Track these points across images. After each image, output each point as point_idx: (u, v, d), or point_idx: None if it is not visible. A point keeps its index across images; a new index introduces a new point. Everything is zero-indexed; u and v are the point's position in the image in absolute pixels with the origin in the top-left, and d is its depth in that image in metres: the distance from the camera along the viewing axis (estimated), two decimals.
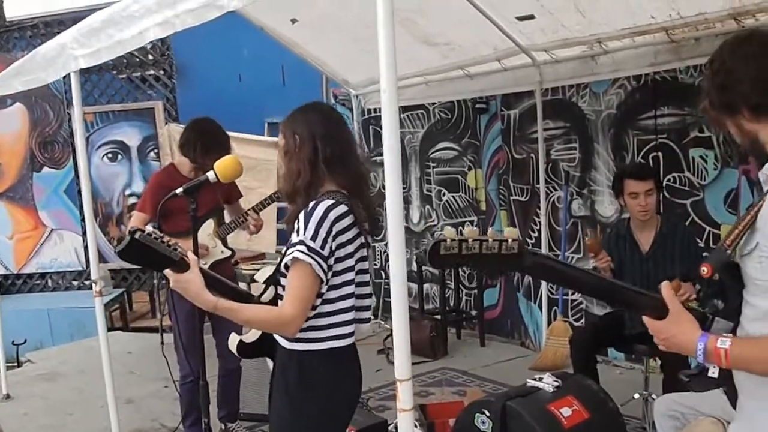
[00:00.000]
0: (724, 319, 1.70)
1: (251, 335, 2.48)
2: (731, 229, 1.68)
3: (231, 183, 3.94)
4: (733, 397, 1.81)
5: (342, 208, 2.24)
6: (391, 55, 1.97)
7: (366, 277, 2.40)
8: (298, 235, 2.19)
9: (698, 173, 4.79)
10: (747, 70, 1.67)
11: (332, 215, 2.20)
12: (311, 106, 2.43)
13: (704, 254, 4.15)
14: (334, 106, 7.52)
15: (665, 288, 1.73)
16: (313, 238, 2.16)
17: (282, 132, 2.40)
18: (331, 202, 2.22)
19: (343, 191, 2.30)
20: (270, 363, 2.49)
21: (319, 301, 2.23)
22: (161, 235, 2.07)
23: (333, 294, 2.26)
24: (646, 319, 1.74)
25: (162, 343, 6.44)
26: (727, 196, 4.66)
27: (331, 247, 2.20)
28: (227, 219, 4.15)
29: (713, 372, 1.67)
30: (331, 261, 2.21)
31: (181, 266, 2.12)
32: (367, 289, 2.41)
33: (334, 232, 2.20)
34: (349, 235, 2.27)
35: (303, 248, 2.15)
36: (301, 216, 2.21)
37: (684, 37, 4.40)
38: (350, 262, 2.28)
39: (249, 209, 4.03)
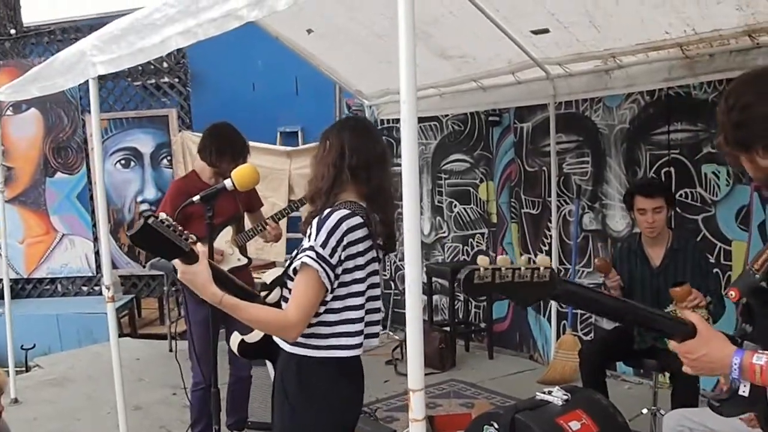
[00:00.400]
0: (752, 343, 1.70)
1: (254, 335, 2.49)
2: (759, 253, 1.68)
3: (252, 191, 3.98)
4: (765, 420, 1.80)
5: (356, 220, 2.24)
6: (411, 68, 2.00)
7: (377, 292, 2.39)
8: (309, 240, 2.20)
9: (710, 189, 4.79)
10: (763, 108, 1.67)
11: (345, 225, 2.21)
12: (350, 118, 2.53)
13: (714, 270, 4.14)
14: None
15: (691, 314, 1.74)
16: (323, 245, 2.17)
17: (320, 137, 2.45)
18: (346, 212, 2.23)
19: (362, 203, 2.31)
20: (271, 367, 2.50)
21: (322, 309, 2.24)
22: (174, 223, 2.07)
23: (337, 304, 2.26)
24: (673, 343, 1.74)
25: (170, 350, 6.47)
26: (739, 212, 4.65)
27: (340, 257, 2.20)
28: (247, 227, 4.18)
29: (744, 390, 1.66)
30: (339, 270, 2.21)
31: (190, 257, 2.12)
32: (378, 304, 2.40)
33: (344, 242, 2.21)
34: (360, 247, 2.27)
35: (312, 254, 2.16)
36: (314, 222, 2.22)
37: (698, 53, 4.41)
38: (359, 274, 2.28)
39: (268, 218, 4.07)
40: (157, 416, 5.04)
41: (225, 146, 3.95)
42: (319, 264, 2.16)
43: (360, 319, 2.28)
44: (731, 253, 4.68)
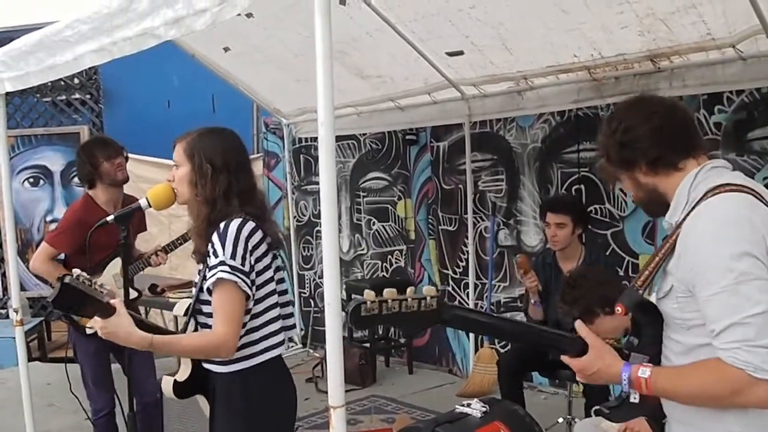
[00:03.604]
0: (640, 354, 1.80)
1: (182, 373, 2.44)
2: (642, 270, 1.78)
3: (141, 216, 3.85)
4: (656, 423, 1.90)
5: (251, 224, 2.28)
6: (329, 89, 2.02)
7: (284, 286, 2.46)
8: (216, 257, 2.21)
9: (618, 205, 4.99)
10: (644, 128, 1.80)
11: (245, 231, 2.24)
12: (222, 133, 2.41)
13: (623, 282, 4.31)
14: (265, 135, 7.53)
15: (580, 325, 1.83)
16: (233, 256, 2.19)
17: (187, 153, 2.35)
18: (240, 219, 2.26)
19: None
20: (203, 400, 2.47)
21: (248, 317, 2.26)
22: (88, 276, 2.03)
23: (259, 307, 2.30)
24: (567, 359, 1.83)
25: (68, 379, 6.25)
26: (645, 227, 4.86)
27: (250, 263, 2.24)
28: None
29: (634, 398, 1.77)
30: (253, 276, 2.25)
31: (108, 311, 2.06)
32: (288, 297, 2.48)
33: (250, 248, 2.24)
34: (263, 248, 2.31)
35: (225, 268, 2.18)
36: (215, 238, 2.24)
37: (605, 76, 4.62)
38: (270, 274, 2.33)
39: (160, 249, 3.88)
40: None
41: (92, 149, 3.85)
42: (235, 275, 2.18)
43: (279, 317, 2.35)
44: (638, 266, 4.88)
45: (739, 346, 1.56)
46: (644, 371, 1.71)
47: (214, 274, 2.19)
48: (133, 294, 3.90)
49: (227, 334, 2.19)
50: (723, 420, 1.67)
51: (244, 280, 2.20)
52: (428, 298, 1.61)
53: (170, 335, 2.25)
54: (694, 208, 1.69)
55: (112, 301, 2.09)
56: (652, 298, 1.83)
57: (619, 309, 1.78)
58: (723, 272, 1.58)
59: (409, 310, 1.60)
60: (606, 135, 1.88)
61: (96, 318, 2.07)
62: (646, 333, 1.81)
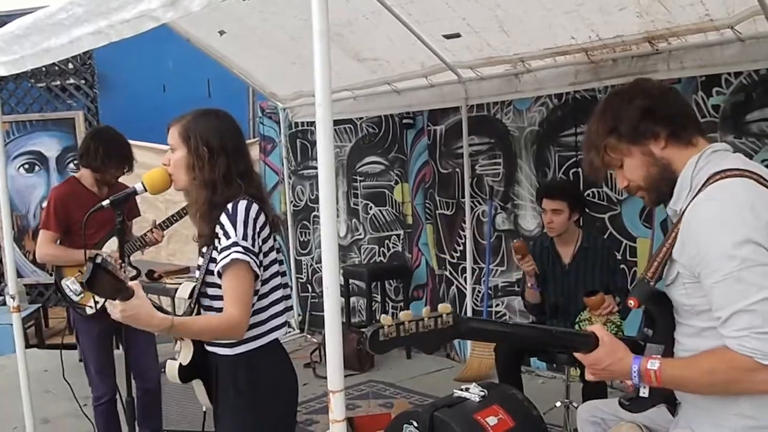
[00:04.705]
0: (655, 344, 1.81)
1: (185, 356, 2.43)
2: (651, 261, 1.78)
3: (132, 200, 3.85)
4: (674, 407, 1.91)
5: (255, 206, 2.28)
6: (326, 70, 2.00)
7: (283, 267, 2.46)
8: (228, 238, 2.20)
9: (615, 188, 4.98)
10: (665, 97, 1.78)
11: (252, 213, 2.25)
12: (217, 114, 2.39)
13: (621, 266, 4.31)
14: (261, 119, 7.50)
15: (597, 327, 1.83)
16: (244, 237, 2.20)
17: (183, 136, 2.33)
18: (246, 201, 2.26)
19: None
20: (199, 385, 2.46)
21: (255, 298, 2.27)
22: (114, 257, 2.00)
23: (265, 288, 2.31)
24: (579, 355, 1.83)
25: (80, 360, 6.25)
26: (642, 210, 4.85)
27: (258, 244, 2.25)
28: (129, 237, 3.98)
29: (644, 392, 1.78)
30: (261, 257, 2.26)
31: (128, 292, 2.02)
32: (286, 279, 2.48)
33: (257, 229, 2.25)
34: (267, 230, 2.32)
35: (239, 248, 2.18)
36: (225, 219, 2.22)
37: (602, 58, 4.60)
38: (274, 255, 2.35)
39: (155, 226, 3.90)
40: (67, 429, 4.86)
41: (113, 149, 3.83)
42: (248, 255, 2.18)
43: (282, 297, 2.36)
44: (636, 250, 4.88)
45: (747, 333, 1.56)
46: (653, 363, 1.72)
47: (228, 255, 2.18)
48: (131, 272, 3.93)
49: (240, 314, 2.19)
50: (737, 404, 1.68)
51: (255, 261, 2.21)
52: (444, 315, 1.65)
53: (185, 317, 2.24)
54: (697, 194, 1.68)
55: (130, 283, 2.04)
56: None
57: (632, 302, 1.78)
58: (725, 260, 1.58)
59: (426, 330, 1.63)
60: (618, 105, 1.83)
61: (115, 301, 2.01)
62: (660, 323, 1.82)
